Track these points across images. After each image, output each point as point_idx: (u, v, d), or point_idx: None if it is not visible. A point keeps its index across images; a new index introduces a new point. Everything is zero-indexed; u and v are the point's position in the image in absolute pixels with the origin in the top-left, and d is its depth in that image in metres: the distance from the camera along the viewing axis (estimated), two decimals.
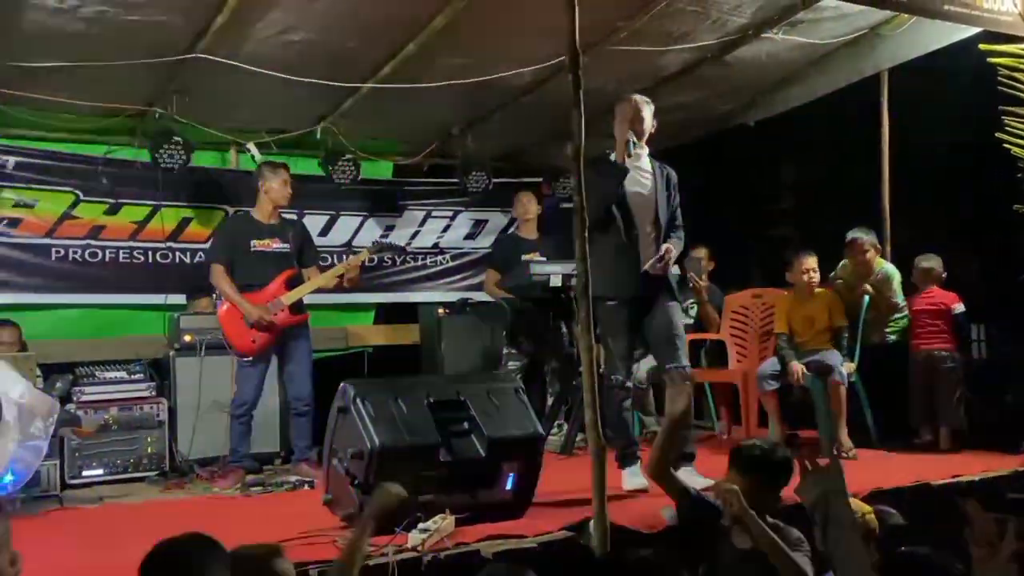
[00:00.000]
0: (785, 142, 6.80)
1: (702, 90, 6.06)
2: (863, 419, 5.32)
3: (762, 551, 2.79)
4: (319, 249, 6.58)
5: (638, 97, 4.34)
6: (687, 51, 5.44)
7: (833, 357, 5.17)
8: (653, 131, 4.33)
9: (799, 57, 5.74)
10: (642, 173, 4.33)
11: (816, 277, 5.39)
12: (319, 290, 5.38)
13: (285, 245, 5.23)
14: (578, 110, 3.29)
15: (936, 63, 5.41)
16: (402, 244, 6.42)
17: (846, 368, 5.14)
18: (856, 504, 3.07)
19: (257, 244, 5.15)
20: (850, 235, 5.48)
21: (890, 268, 5.48)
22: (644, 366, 5.39)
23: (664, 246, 4.27)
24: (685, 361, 4.26)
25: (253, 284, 5.11)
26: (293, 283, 5.19)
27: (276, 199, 5.21)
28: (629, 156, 4.18)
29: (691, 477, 3.84)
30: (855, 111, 6.05)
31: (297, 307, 5.19)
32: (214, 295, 5.36)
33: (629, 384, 4.33)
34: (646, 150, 4.34)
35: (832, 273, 5.66)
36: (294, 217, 5.78)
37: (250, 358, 5.09)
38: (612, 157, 4.26)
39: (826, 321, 5.32)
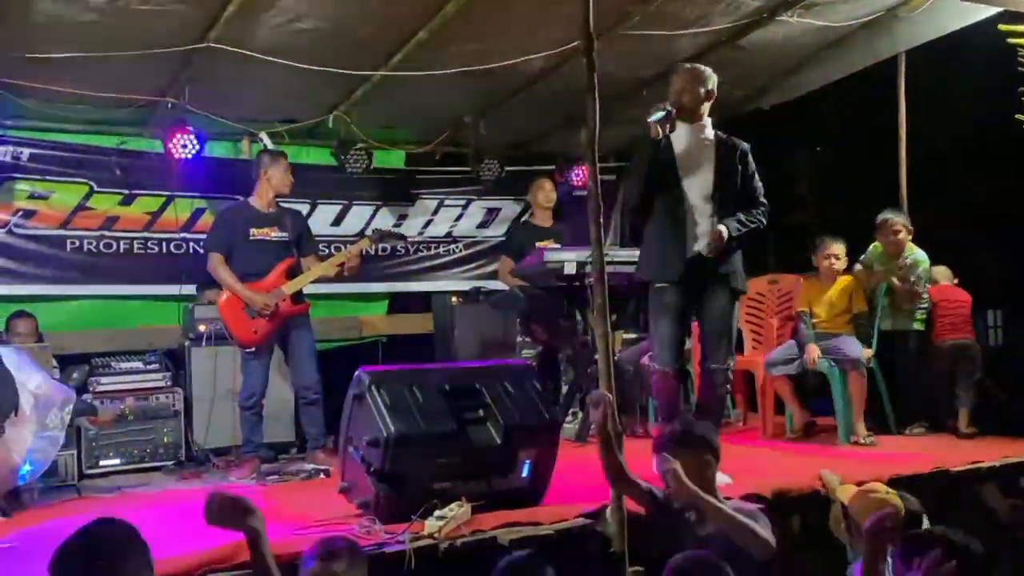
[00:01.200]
0: (800, 127, 6.73)
1: (716, 75, 5.99)
2: (881, 405, 5.29)
3: (721, 536, 2.76)
4: (333, 239, 6.59)
5: (683, 68, 4.21)
6: (701, 35, 5.38)
7: (850, 343, 5.14)
8: (713, 96, 4.15)
9: (814, 40, 5.67)
10: (703, 142, 4.12)
11: (839, 264, 5.32)
12: (323, 279, 5.34)
13: (284, 234, 5.14)
14: (592, 96, 3.25)
15: (954, 44, 5.33)
16: (403, 233, 6.37)
17: (864, 354, 5.11)
18: (881, 487, 3.06)
19: (256, 232, 5.06)
20: (881, 216, 5.39)
21: (920, 254, 5.36)
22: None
23: (719, 227, 3.96)
24: (730, 362, 4.14)
25: (252, 273, 5.02)
26: (293, 273, 5.12)
27: (278, 187, 5.15)
28: (661, 125, 3.91)
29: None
30: (871, 94, 5.98)
31: (297, 297, 5.13)
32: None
33: (671, 371, 4.06)
34: (708, 121, 4.17)
35: (863, 255, 5.57)
36: (291, 206, 5.63)
37: (253, 349, 5.01)
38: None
39: (846, 305, 5.28)
